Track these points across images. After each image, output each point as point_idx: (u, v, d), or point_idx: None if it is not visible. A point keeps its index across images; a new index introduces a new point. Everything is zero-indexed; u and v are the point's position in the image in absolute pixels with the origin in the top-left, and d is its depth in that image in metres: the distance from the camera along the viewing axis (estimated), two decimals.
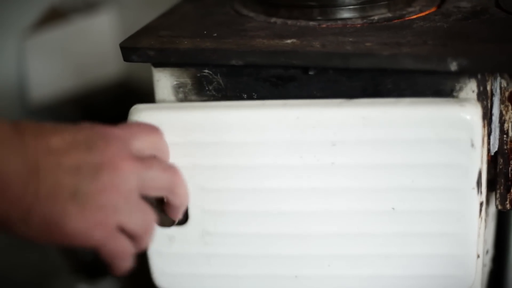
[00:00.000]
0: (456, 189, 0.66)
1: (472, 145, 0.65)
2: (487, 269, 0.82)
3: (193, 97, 0.74)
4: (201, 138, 0.68)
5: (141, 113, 0.68)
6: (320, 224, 0.69)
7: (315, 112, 0.66)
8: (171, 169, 0.62)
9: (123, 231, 0.59)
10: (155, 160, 0.62)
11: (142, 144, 0.61)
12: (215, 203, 0.69)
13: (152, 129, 0.64)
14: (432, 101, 0.66)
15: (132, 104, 1.32)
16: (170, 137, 0.66)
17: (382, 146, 0.66)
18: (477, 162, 0.66)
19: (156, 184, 0.61)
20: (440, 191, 0.67)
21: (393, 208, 0.67)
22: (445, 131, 0.65)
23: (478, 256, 0.69)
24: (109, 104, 1.37)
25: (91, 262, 1.23)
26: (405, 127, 0.65)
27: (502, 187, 0.71)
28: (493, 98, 0.68)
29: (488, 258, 0.81)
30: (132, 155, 0.59)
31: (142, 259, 1.27)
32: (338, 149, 0.66)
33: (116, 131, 0.60)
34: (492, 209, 0.77)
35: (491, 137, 0.69)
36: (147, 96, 0.81)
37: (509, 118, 0.69)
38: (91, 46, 1.39)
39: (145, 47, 0.72)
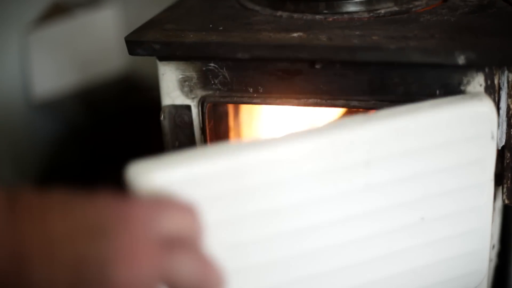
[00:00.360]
0: (477, 184, 0.66)
1: (492, 137, 0.65)
2: (493, 264, 0.81)
3: (199, 91, 0.73)
4: (222, 189, 0.56)
5: (144, 176, 0.53)
6: (354, 253, 0.63)
7: (348, 134, 0.60)
8: (204, 260, 0.50)
9: None
10: (185, 247, 0.49)
11: (171, 226, 0.49)
12: (243, 259, 0.58)
13: (185, 208, 0.51)
14: (449, 100, 0.64)
15: (137, 100, 1.33)
16: (185, 195, 0.53)
17: (412, 155, 0.63)
18: (494, 153, 0.66)
19: (184, 278, 0.49)
20: (463, 189, 0.65)
21: (422, 218, 0.64)
22: (470, 128, 0.64)
23: None
24: (113, 99, 1.37)
25: None
26: (434, 131, 0.63)
27: (509, 182, 0.71)
28: (501, 92, 0.68)
29: (494, 253, 0.81)
30: (156, 242, 0.47)
31: None
32: (372, 168, 0.61)
33: (139, 210, 0.48)
34: (498, 204, 0.76)
35: (498, 131, 0.69)
36: (151, 91, 0.80)
37: None
38: (95, 41, 1.38)
39: (150, 41, 0.72)
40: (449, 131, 0.63)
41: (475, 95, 0.65)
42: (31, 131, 1.30)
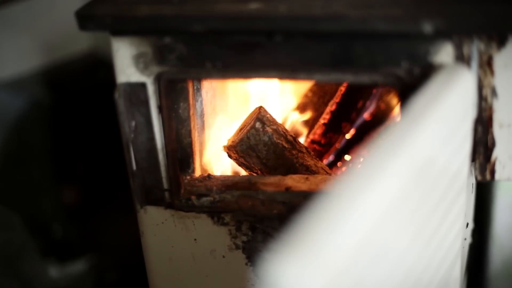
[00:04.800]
0: (464, 157, 0.62)
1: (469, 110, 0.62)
2: (467, 242, 0.78)
3: (154, 67, 0.69)
4: None
5: None
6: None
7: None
8: None
9: None
10: None
11: None
12: None
13: None
14: (437, 87, 0.59)
15: (101, 80, 1.29)
16: None
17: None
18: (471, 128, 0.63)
19: None
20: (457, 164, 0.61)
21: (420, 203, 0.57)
22: (459, 102, 0.59)
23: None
24: (79, 77, 1.33)
25: (60, 240, 1.20)
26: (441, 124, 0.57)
27: (481, 157, 0.67)
28: (471, 62, 0.64)
29: (468, 232, 0.78)
30: None
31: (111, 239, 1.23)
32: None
33: None
34: (471, 181, 0.73)
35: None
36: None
37: (488, 84, 0.65)
38: (59, 19, 1.34)
39: (101, 15, 0.68)
40: (453, 115, 0.59)
41: (451, 69, 0.61)
42: None
